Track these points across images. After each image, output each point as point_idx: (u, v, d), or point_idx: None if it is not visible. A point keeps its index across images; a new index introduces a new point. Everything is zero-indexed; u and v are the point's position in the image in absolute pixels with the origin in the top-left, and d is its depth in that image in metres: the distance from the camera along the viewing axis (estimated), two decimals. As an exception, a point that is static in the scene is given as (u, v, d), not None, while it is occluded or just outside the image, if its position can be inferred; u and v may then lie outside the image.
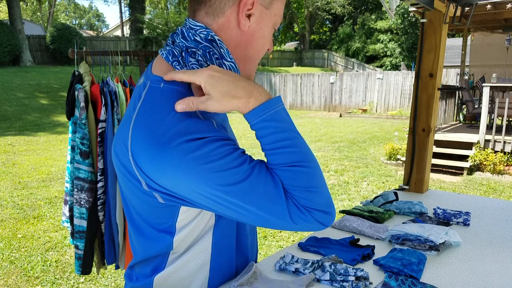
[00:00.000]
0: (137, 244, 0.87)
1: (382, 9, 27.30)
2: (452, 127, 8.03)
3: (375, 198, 1.69)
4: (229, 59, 0.79)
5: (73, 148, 1.94)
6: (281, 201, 0.72)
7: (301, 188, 0.72)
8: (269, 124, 0.73)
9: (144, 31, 21.48)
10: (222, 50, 0.78)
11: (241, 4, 0.77)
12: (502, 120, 6.70)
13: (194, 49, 0.78)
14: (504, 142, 6.49)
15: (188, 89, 0.77)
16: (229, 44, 0.80)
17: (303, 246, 1.23)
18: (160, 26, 20.81)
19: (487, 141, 6.64)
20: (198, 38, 0.78)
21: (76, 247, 1.97)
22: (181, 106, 0.71)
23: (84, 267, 1.99)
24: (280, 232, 3.92)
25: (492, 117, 6.82)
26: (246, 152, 0.75)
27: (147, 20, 21.86)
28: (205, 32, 0.78)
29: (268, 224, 0.74)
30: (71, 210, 1.99)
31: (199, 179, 0.69)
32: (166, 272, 0.85)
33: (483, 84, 6.95)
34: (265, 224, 0.74)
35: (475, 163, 6.43)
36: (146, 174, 0.72)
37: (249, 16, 0.79)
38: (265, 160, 0.77)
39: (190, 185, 0.70)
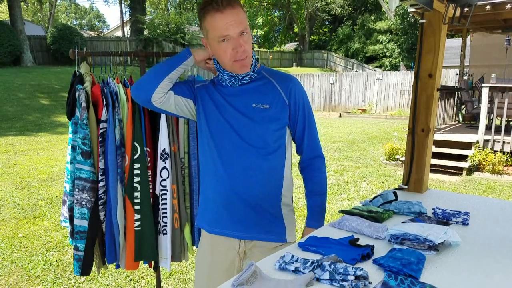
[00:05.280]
0: None
1: (382, 10, 27.28)
2: (451, 127, 8.03)
3: (374, 198, 1.69)
4: (215, 63, 1.48)
5: (73, 148, 1.94)
6: None
7: None
8: None
9: (145, 32, 21.42)
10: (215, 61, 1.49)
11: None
12: (501, 120, 6.71)
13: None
14: (503, 142, 6.50)
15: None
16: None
17: (302, 246, 1.24)
18: (161, 27, 20.79)
19: (486, 141, 6.65)
20: None
21: (76, 248, 1.96)
22: None
23: (84, 268, 1.98)
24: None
25: (491, 117, 6.83)
26: None
27: (147, 21, 21.83)
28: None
29: None
30: (71, 210, 1.99)
31: None
32: None
33: (482, 85, 6.95)
34: None
35: (474, 163, 6.44)
36: None
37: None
38: None
39: None
